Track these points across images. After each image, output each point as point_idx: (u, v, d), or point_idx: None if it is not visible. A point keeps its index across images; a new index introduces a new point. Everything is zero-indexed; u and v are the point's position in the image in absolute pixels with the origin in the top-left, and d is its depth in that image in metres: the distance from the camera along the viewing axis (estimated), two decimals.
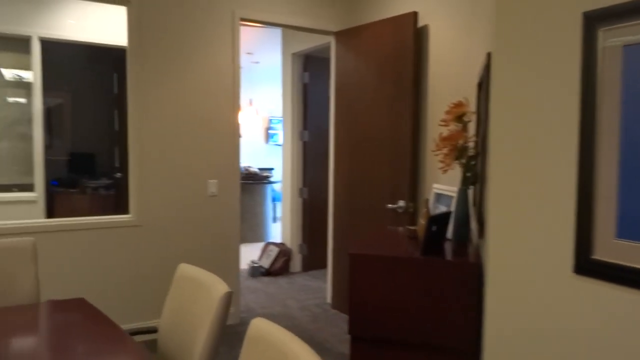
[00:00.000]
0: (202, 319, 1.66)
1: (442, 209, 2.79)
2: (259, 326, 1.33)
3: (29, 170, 4.67)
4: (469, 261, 2.12)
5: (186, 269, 1.91)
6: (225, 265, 3.74)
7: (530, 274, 1.52)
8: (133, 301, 3.43)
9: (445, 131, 2.50)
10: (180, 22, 3.46)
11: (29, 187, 4.68)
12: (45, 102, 6.53)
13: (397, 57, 3.44)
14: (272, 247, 5.32)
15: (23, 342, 1.68)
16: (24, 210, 4.56)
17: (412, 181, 3.42)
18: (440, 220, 2.33)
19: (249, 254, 5.89)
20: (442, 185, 2.85)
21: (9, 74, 4.60)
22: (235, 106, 3.70)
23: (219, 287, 1.65)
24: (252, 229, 6.75)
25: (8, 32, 4.39)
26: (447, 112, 2.50)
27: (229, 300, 1.61)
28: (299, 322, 3.88)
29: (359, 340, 2.32)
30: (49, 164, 6.10)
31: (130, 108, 3.34)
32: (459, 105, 2.48)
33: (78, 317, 1.97)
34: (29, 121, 4.60)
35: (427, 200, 2.54)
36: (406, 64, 3.39)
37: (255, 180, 6.84)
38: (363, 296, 2.25)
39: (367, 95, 3.67)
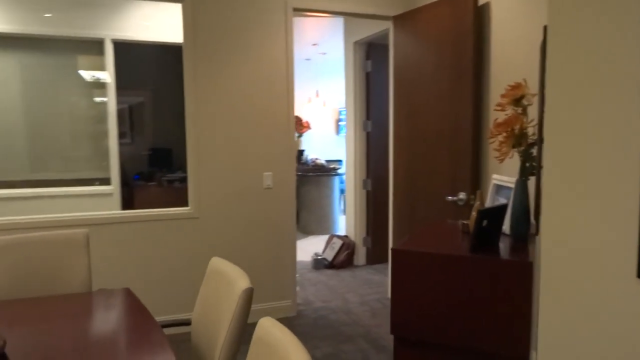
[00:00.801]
0: (225, 314, 1.62)
1: (502, 201, 2.55)
2: (264, 326, 1.26)
3: (108, 166, 4.97)
4: (523, 260, 1.90)
5: (216, 263, 1.89)
6: (281, 258, 3.73)
7: (588, 278, 1.32)
8: (189, 291, 3.52)
9: (502, 116, 2.28)
10: (233, 16, 3.47)
11: (107, 181, 4.98)
12: (127, 101, 6.91)
13: (457, 39, 3.21)
14: (335, 239, 5.26)
15: (50, 331, 1.75)
16: (101, 203, 4.87)
17: (473, 171, 3.18)
18: (493, 214, 2.12)
19: (315, 246, 5.88)
20: (503, 175, 2.61)
21: (87, 75, 4.91)
22: (290, 98, 3.66)
23: (241, 283, 1.60)
24: (319, 221, 6.73)
25: (84, 35, 4.68)
26: (504, 95, 2.27)
27: (248, 296, 1.56)
28: (358, 317, 3.78)
29: (402, 341, 2.18)
30: (131, 159, 6.47)
31: (186, 104, 3.42)
32: (516, 87, 2.24)
33: (116, 307, 2.02)
34: (112, 119, 4.89)
35: (480, 192, 2.33)
36: (466, 46, 3.15)
37: (323, 172, 6.81)
38: (405, 295, 2.11)
39: (425, 82, 3.47)
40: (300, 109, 8.48)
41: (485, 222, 2.06)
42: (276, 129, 3.64)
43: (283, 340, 1.15)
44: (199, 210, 3.50)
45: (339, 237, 5.28)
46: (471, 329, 1.98)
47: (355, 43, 4.99)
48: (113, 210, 4.82)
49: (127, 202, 6.26)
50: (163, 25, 4.81)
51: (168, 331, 1.97)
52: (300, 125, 8.29)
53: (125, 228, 3.34)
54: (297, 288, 4.37)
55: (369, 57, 4.99)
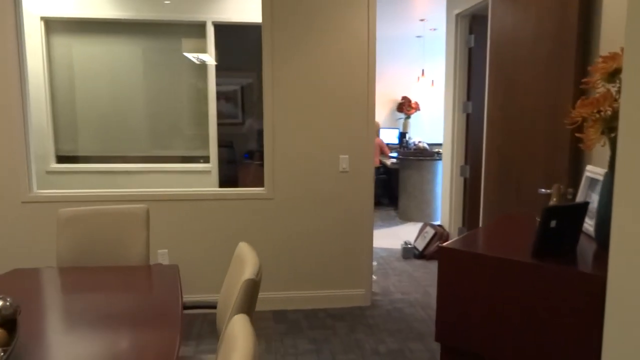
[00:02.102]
0: (231, 302, 1.55)
1: (594, 198, 2.12)
2: (233, 322, 1.15)
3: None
4: (596, 273, 1.54)
5: (240, 248, 1.82)
6: (357, 245, 3.58)
7: None
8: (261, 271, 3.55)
9: (593, 94, 1.86)
10: None
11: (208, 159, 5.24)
12: (237, 82, 7.18)
13: (559, 4, 2.72)
14: (428, 228, 4.95)
15: (78, 300, 1.82)
16: (202, 180, 5.14)
17: (572, 161, 2.71)
18: (567, 213, 1.75)
19: (410, 234, 5.62)
20: (597, 167, 2.16)
21: (192, 57, 5.16)
22: (370, 79, 3.45)
23: (247, 273, 1.51)
24: (419, 208, 6.41)
25: (189, 19, 4.91)
26: (594, 69, 1.84)
27: (248, 287, 1.47)
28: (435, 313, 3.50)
29: (450, 350, 1.93)
30: (244, 138, 6.75)
31: (264, 84, 3.39)
32: (611, 57, 1.80)
33: (153, 282, 2.06)
34: (212, 100, 5.11)
35: (558, 186, 1.95)
36: (569, 12, 2.66)
37: (425, 157, 6.45)
38: (453, 300, 1.85)
39: (522, 56, 3.02)
40: (409, 89, 8.11)
41: (554, 223, 1.71)
42: (354, 111, 3.47)
43: (238, 336, 1.03)
44: (274, 192, 3.48)
45: (433, 226, 4.96)
46: (527, 346, 1.67)
47: (458, 15, 4.56)
48: (212, 187, 5.06)
49: (232, 180, 6.54)
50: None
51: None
52: (408, 107, 7.94)
53: (205, 205, 3.45)
54: (375, 277, 4.20)
55: (472, 30, 4.54)
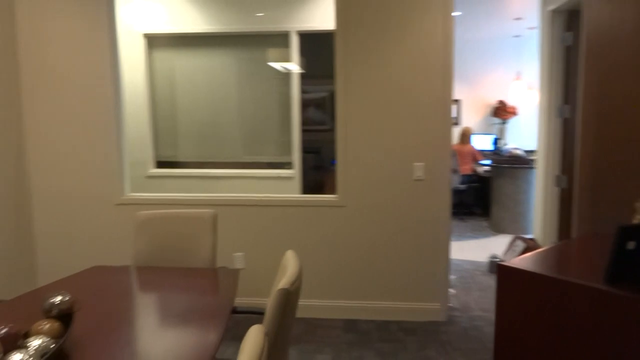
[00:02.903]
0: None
1: None
2: (249, 332, 1.14)
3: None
4: None
5: (285, 256, 1.81)
6: (432, 256, 3.42)
7: None
8: (327, 278, 3.52)
9: None
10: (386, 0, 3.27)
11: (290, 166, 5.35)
12: (325, 89, 7.28)
13: None
14: (519, 242, 4.60)
15: (139, 297, 1.92)
16: (285, 186, 5.25)
17: None
18: None
19: (499, 247, 5.27)
20: None
21: (277, 66, 5.31)
22: (446, 83, 3.29)
23: (282, 282, 1.49)
24: (512, 219, 5.99)
25: (273, 29, 5.06)
26: None
27: (281, 297, 1.45)
28: None
29: None
30: (329, 145, 6.84)
31: (337, 90, 3.38)
32: None
33: (210, 285, 2.12)
34: (296, 107, 5.22)
35: None
36: None
37: (519, 164, 6.02)
38: (512, 324, 1.68)
39: (621, 55, 2.70)
40: (505, 93, 7.64)
41: (632, 244, 1.48)
42: (430, 117, 3.33)
43: (244, 349, 1.01)
44: (346, 199, 3.45)
45: (524, 239, 4.59)
46: None
47: (553, 11, 4.19)
48: (295, 193, 5.16)
49: (318, 186, 6.61)
50: None
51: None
52: (503, 111, 7.48)
53: (279, 211, 3.51)
54: (453, 291, 3.98)
55: (570, 27, 4.15)
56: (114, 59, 3.55)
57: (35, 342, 1.36)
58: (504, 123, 7.62)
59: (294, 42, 5.06)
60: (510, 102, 7.56)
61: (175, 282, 2.18)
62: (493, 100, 7.68)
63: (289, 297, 1.48)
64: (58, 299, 1.58)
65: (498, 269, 1.71)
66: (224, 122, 5.41)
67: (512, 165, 6.03)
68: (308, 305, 3.55)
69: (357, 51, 3.33)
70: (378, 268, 3.48)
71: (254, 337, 1.09)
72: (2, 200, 3.42)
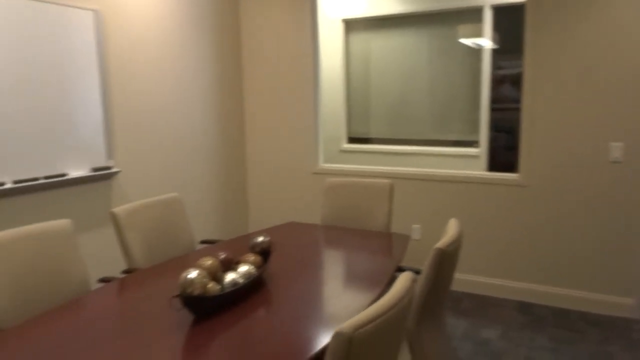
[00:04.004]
0: None
1: None
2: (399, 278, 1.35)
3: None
4: None
5: (449, 223, 1.95)
6: (628, 247, 3.12)
7: None
8: (503, 258, 3.47)
9: None
10: None
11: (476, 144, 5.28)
12: (521, 65, 6.93)
13: None
14: None
15: (319, 250, 2.27)
16: (469, 164, 5.22)
17: None
18: None
19: None
20: None
21: (469, 42, 5.23)
22: None
23: (439, 243, 1.66)
24: None
25: (466, 5, 5.00)
26: None
27: (437, 255, 1.62)
28: None
29: None
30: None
31: (525, 64, 3.27)
32: None
33: (382, 248, 2.38)
34: (485, 84, 5.12)
35: None
36: None
37: None
38: None
39: None
40: None
41: None
42: (634, 94, 2.99)
43: (393, 287, 1.24)
44: (529, 179, 3.35)
45: None
46: None
47: None
48: (479, 171, 5.10)
49: (508, 165, 6.39)
50: None
51: None
52: None
53: (456, 187, 3.60)
54: None
55: None
56: (315, 44, 4.01)
57: (243, 268, 1.80)
58: None
59: (487, 17, 4.93)
60: None
61: (354, 240, 2.50)
62: None
63: (444, 257, 1.64)
64: (260, 239, 2.01)
65: None
66: (414, 100, 5.59)
67: None
68: (481, 282, 3.57)
69: (548, 23, 3.16)
70: (560, 253, 3.31)
71: (403, 279, 1.30)
72: (227, 168, 4.21)
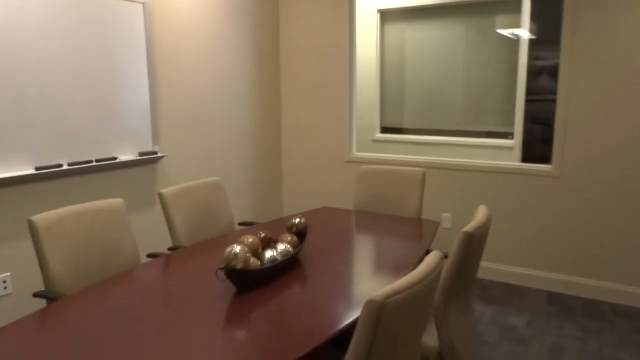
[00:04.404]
0: None
1: None
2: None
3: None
4: None
5: (478, 209, 2.02)
6: None
7: None
8: (533, 248, 3.49)
9: None
10: None
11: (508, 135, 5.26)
12: (557, 57, 6.83)
13: None
14: None
15: (351, 233, 2.38)
16: (502, 156, 5.21)
17: None
18: None
19: None
20: None
21: (507, 33, 5.20)
22: None
23: (467, 227, 1.75)
24: None
25: None
26: None
27: (464, 238, 1.70)
28: None
29: None
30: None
31: (562, 55, 3.27)
32: None
33: (411, 233, 2.47)
34: (521, 76, 5.08)
35: None
36: None
37: None
38: None
39: None
40: None
41: None
42: None
43: (424, 262, 1.33)
44: (561, 170, 3.36)
45: None
46: None
47: None
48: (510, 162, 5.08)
49: (544, 158, 6.33)
50: None
51: None
52: None
53: (488, 177, 3.64)
54: None
55: None
56: (352, 35, 4.09)
57: (281, 246, 1.93)
58: None
59: (526, 7, 4.89)
60: None
61: (385, 225, 2.60)
62: None
63: (471, 240, 1.72)
64: (297, 221, 2.14)
65: None
66: (449, 90, 5.60)
67: None
68: (511, 272, 3.62)
69: (587, 14, 3.15)
70: (591, 245, 3.32)
71: (432, 256, 1.39)
72: (264, 155, 4.36)
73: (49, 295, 1.83)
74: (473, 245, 1.75)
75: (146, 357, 1.31)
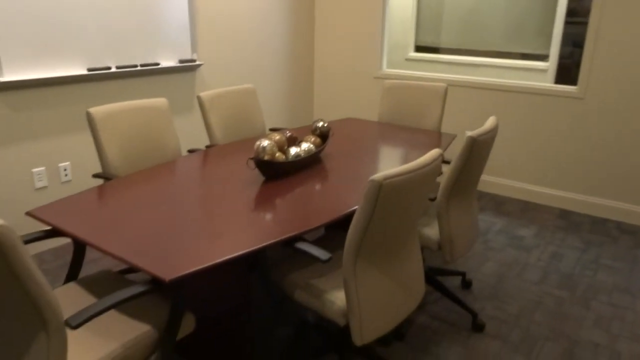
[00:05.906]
0: None
1: None
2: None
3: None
4: None
5: (489, 119, 2.18)
6: None
7: None
8: (550, 167, 3.63)
9: None
10: None
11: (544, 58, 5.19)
12: None
13: None
14: None
15: (373, 141, 2.59)
16: (535, 79, 5.18)
17: None
18: None
19: None
20: None
21: None
22: None
23: (472, 132, 1.93)
24: None
25: None
26: None
27: (467, 142, 1.89)
28: None
29: None
30: None
31: None
32: None
33: (427, 143, 2.67)
34: None
35: None
36: None
37: None
38: None
39: None
40: None
41: None
42: None
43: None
44: (586, 91, 3.41)
45: None
46: None
47: None
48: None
49: (574, 82, 6.23)
50: None
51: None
52: None
53: (512, 97, 3.72)
54: None
55: None
56: None
57: (304, 145, 2.16)
58: None
59: None
60: None
61: (405, 134, 2.79)
62: None
63: (474, 144, 1.91)
64: (320, 124, 2.36)
65: None
66: (487, 9, 5.48)
67: None
68: (526, 189, 3.79)
69: None
70: (609, 165, 3.43)
71: (431, 152, 1.60)
72: (296, 68, 4.51)
73: (106, 176, 2.15)
74: (476, 148, 1.93)
75: (187, 225, 1.61)
